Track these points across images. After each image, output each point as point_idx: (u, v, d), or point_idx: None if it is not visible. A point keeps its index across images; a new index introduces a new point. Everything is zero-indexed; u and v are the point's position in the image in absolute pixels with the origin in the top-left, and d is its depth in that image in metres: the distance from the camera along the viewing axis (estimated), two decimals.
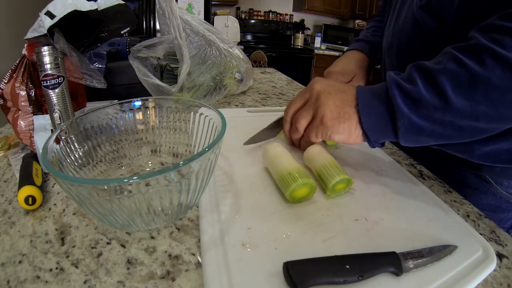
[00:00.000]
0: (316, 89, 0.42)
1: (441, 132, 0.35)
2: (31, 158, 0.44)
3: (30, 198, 0.36)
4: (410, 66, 0.37)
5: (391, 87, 0.36)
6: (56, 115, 0.42)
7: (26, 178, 0.38)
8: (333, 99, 0.40)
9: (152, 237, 0.34)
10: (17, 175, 0.41)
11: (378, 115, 0.38)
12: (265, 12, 3.68)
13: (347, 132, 0.39)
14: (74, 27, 0.44)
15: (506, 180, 0.50)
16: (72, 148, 0.36)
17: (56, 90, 0.41)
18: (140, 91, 0.67)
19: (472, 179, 0.52)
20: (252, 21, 3.60)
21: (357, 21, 3.77)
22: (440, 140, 0.37)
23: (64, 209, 0.37)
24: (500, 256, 0.34)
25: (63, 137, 0.34)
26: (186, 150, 0.44)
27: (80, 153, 0.37)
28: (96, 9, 0.46)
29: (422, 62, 0.36)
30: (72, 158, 0.35)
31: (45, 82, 0.40)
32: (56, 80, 0.41)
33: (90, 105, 0.57)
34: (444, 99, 0.33)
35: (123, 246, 0.32)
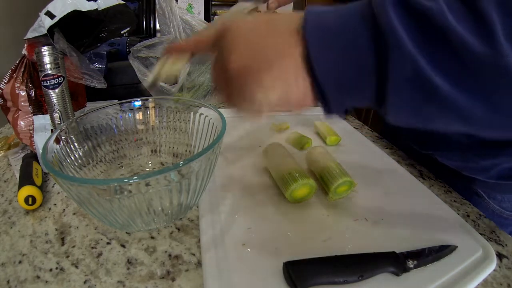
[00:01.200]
0: (224, 27, 0.25)
1: (466, 106, 0.19)
2: (31, 158, 0.44)
3: (30, 198, 0.36)
4: None
5: None
6: (56, 115, 0.42)
7: (26, 178, 0.38)
8: (252, 33, 0.23)
9: (152, 237, 0.34)
10: (17, 175, 0.41)
11: (345, 46, 0.20)
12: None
13: (283, 82, 0.22)
14: (74, 27, 0.44)
15: (500, 194, 0.48)
16: (72, 148, 0.36)
17: (56, 90, 0.41)
18: (140, 91, 0.67)
19: (463, 192, 0.50)
20: None
21: None
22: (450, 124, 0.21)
23: (64, 209, 0.37)
24: (500, 256, 0.34)
25: (63, 137, 0.34)
26: (186, 150, 0.44)
27: (80, 153, 0.37)
28: (96, 9, 0.46)
29: None
30: (72, 158, 0.35)
31: (45, 82, 0.40)
32: (56, 80, 0.41)
33: (90, 105, 0.57)
34: (490, 39, 0.17)
35: (123, 246, 0.32)
